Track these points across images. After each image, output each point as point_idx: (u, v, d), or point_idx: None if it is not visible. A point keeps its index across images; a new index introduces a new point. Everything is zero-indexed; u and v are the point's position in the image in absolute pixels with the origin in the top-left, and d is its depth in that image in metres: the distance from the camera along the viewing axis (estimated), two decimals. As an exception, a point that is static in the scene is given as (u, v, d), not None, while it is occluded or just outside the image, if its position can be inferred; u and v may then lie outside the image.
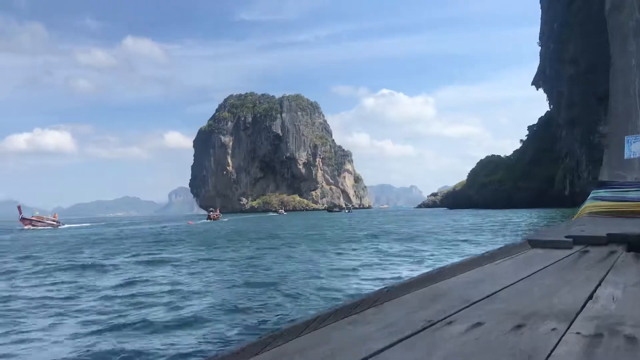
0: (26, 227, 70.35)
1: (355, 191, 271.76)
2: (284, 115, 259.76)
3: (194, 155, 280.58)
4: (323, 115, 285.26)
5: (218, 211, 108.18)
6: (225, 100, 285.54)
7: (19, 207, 73.85)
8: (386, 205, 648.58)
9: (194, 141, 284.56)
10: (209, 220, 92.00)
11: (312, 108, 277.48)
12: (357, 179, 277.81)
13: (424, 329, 1.43)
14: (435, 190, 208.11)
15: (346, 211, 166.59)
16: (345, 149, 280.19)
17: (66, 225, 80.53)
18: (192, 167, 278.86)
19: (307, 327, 1.40)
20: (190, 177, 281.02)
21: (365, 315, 1.71)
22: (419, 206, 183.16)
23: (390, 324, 1.54)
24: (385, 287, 2.10)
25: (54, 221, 77.11)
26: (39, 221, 73.41)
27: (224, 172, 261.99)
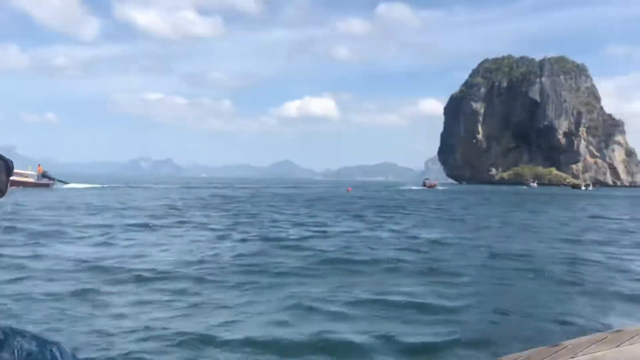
0: None
1: (626, 166, 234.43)
2: (543, 79, 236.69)
3: (444, 123, 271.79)
4: (591, 79, 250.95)
5: (436, 182, 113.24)
6: (480, 64, 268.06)
7: None
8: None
9: (445, 108, 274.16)
10: (423, 188, 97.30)
11: (578, 71, 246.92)
12: (630, 153, 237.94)
13: None
14: None
15: (582, 188, 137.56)
16: (617, 118, 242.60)
17: (66, 186, 59.28)
18: (442, 134, 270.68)
19: None
20: (439, 145, 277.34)
21: None
22: None
23: None
24: None
25: (37, 177, 53.73)
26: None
27: (474, 141, 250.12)
